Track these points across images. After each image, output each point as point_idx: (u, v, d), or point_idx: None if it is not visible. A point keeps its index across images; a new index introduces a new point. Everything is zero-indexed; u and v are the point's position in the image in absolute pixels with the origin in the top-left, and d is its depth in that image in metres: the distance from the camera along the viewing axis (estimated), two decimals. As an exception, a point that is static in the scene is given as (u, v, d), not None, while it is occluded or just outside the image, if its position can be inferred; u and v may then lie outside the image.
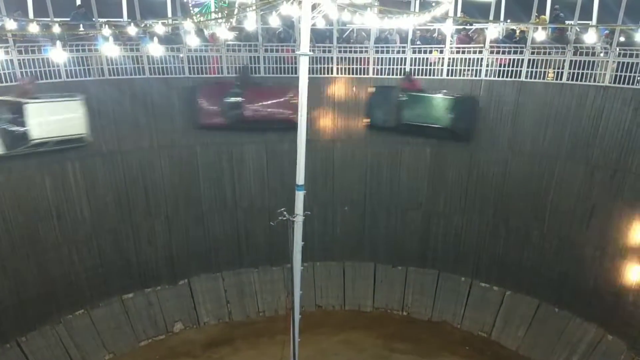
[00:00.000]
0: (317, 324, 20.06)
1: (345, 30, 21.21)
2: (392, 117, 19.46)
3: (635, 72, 15.93)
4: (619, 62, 16.34)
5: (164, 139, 19.28)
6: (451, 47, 19.07)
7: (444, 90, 18.96)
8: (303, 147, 12.41)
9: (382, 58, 19.70)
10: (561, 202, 18.04)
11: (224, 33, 18.84)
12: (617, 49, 16.36)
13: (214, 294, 20.99)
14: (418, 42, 19.71)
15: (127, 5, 19.22)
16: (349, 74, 20.06)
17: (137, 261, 19.67)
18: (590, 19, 18.72)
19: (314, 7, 11.91)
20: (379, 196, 21.14)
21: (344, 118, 20.50)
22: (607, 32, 17.42)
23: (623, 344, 16.54)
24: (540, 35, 17.52)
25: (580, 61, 17.04)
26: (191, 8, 26.43)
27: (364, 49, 19.79)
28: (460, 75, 19.10)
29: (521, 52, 18.04)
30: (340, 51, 19.82)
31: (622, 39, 16.77)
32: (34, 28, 16.26)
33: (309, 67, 12.93)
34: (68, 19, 18.27)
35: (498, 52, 18.51)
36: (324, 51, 19.76)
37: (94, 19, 17.90)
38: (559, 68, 17.54)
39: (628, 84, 16.09)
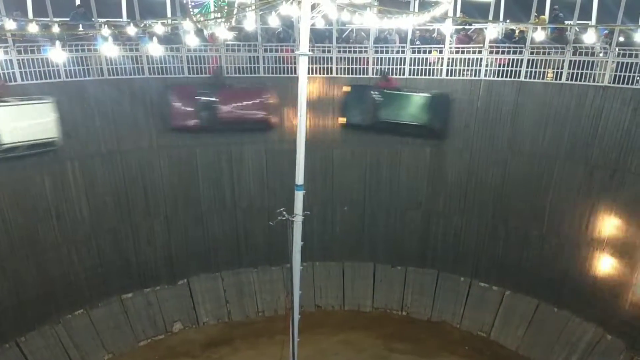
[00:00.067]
0: (317, 324, 20.04)
1: (345, 30, 21.21)
2: (368, 116, 19.52)
3: (634, 72, 15.95)
4: (618, 62, 16.35)
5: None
6: (450, 47, 19.07)
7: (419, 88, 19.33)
8: (302, 147, 12.41)
9: (381, 58, 19.69)
10: (560, 202, 18.04)
11: (223, 33, 18.83)
12: (617, 49, 16.37)
13: (213, 293, 20.99)
14: (417, 42, 19.70)
15: (127, 5, 19.23)
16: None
17: (136, 261, 19.67)
18: (590, 19, 18.74)
19: (313, 7, 11.91)
20: (379, 196, 21.14)
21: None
22: (606, 32, 17.43)
23: (622, 344, 16.55)
24: (539, 35, 17.53)
25: (579, 61, 17.05)
26: (191, 9, 26.43)
27: (363, 49, 19.78)
28: (459, 75, 19.09)
29: (520, 52, 18.05)
30: (339, 51, 19.82)
31: (621, 39, 16.80)
32: (33, 28, 16.26)
33: (310, 67, 12.95)
34: (67, 19, 18.28)
35: (497, 52, 18.52)
36: (323, 51, 19.75)
37: (93, 19, 17.89)
38: (558, 68, 17.55)
39: (627, 84, 16.11)
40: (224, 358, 18.89)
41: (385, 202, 21.13)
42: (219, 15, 23.52)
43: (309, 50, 12.21)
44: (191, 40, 17.93)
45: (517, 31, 19.22)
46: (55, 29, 15.83)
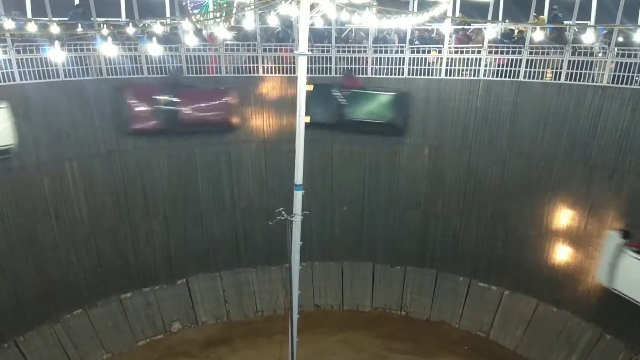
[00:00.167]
0: (316, 323, 20.04)
1: (344, 30, 21.20)
2: (333, 114, 19.55)
3: (633, 72, 15.97)
4: (617, 62, 16.37)
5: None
6: (450, 47, 19.08)
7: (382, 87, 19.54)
8: (301, 147, 12.41)
9: (380, 58, 19.69)
10: (559, 202, 18.05)
11: (222, 33, 18.81)
12: (616, 49, 16.38)
13: (212, 293, 20.98)
14: (416, 42, 19.70)
15: (126, 5, 19.22)
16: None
17: (135, 261, 19.66)
18: (589, 19, 18.76)
19: (312, 6, 11.91)
20: (378, 196, 21.14)
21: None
22: (605, 32, 17.44)
23: (621, 344, 16.58)
24: (538, 35, 17.54)
25: (578, 61, 17.06)
26: (190, 10, 26.43)
27: (362, 49, 19.78)
28: (458, 75, 19.10)
29: (519, 52, 18.06)
30: (338, 51, 19.81)
31: (620, 39, 16.81)
32: (32, 27, 16.24)
33: (309, 67, 12.94)
34: (66, 19, 18.26)
35: (496, 52, 18.53)
36: (322, 51, 19.75)
37: (92, 19, 17.89)
38: (557, 68, 17.56)
39: (626, 84, 16.13)
40: (223, 358, 18.88)
41: (384, 201, 21.13)
42: (218, 14, 23.50)
43: (308, 50, 12.20)
44: (190, 40, 17.92)
45: (516, 31, 19.24)
46: (54, 29, 15.80)
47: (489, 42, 18.58)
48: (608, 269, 16.01)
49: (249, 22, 18.53)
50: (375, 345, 19.41)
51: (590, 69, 16.90)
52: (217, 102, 19.17)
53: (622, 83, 16.21)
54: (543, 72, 17.88)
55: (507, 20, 20.73)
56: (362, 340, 19.67)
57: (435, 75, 19.37)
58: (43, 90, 16.64)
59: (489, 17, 19.59)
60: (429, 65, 19.44)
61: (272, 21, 16.39)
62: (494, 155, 19.22)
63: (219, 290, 21.10)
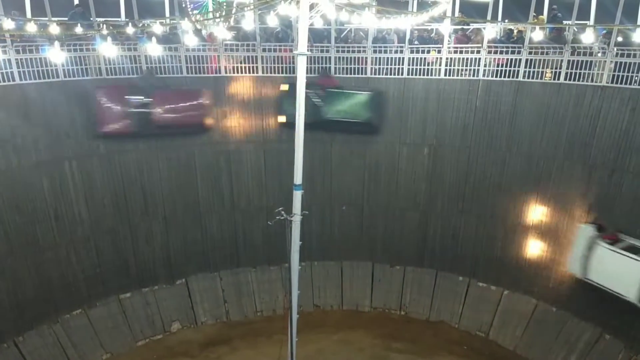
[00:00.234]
0: (315, 323, 20.05)
1: (343, 30, 21.21)
2: (309, 114, 19.38)
3: (632, 72, 15.97)
4: (616, 62, 16.37)
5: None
6: (449, 47, 19.08)
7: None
8: (301, 147, 12.42)
9: (379, 58, 19.70)
10: (559, 202, 18.05)
11: (222, 32, 18.81)
12: (615, 49, 16.38)
13: (211, 293, 20.98)
14: (416, 42, 19.70)
15: (125, 5, 19.21)
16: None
17: (134, 261, 19.66)
18: (588, 19, 18.77)
19: (311, 6, 11.92)
20: (377, 196, 21.14)
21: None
22: (604, 32, 17.44)
23: (621, 344, 16.59)
24: (537, 35, 17.58)
25: (577, 61, 17.06)
26: (190, 11, 26.41)
27: (361, 49, 19.79)
28: (458, 75, 19.11)
29: (519, 52, 18.06)
30: (338, 51, 19.82)
31: (619, 38, 16.81)
32: (31, 27, 16.24)
33: (308, 67, 12.94)
34: (66, 19, 18.27)
35: (496, 52, 18.53)
36: (321, 51, 19.75)
37: (91, 19, 17.90)
38: (556, 68, 17.56)
39: (626, 83, 16.13)
40: (222, 358, 18.88)
41: (384, 202, 21.14)
42: (217, 14, 23.51)
43: (308, 50, 12.20)
44: (190, 40, 17.92)
45: (515, 31, 19.24)
46: (54, 29, 15.80)
47: (489, 42, 18.59)
48: (580, 261, 16.66)
49: (249, 22, 18.55)
50: (374, 345, 19.41)
51: (590, 69, 16.90)
52: (192, 102, 18.80)
53: (621, 83, 16.21)
54: (542, 72, 17.89)
55: (506, 20, 20.75)
56: (361, 340, 19.67)
57: (435, 75, 19.37)
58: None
59: (489, 17, 19.61)
60: (428, 65, 19.44)
61: (272, 21, 16.42)
62: (494, 155, 19.23)
63: (219, 290, 21.10)
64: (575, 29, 17.17)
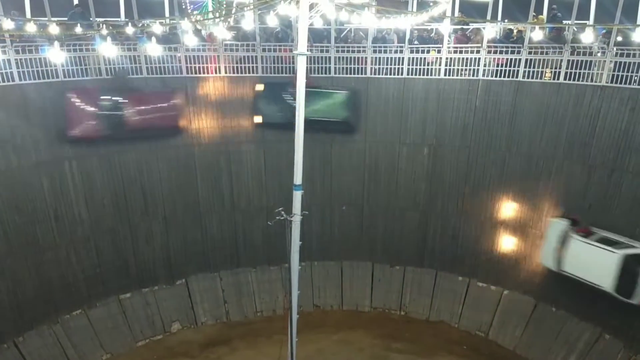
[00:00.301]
0: (315, 323, 20.05)
1: (343, 30, 21.21)
2: (286, 114, 19.05)
3: (632, 72, 15.97)
4: (616, 62, 16.37)
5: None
6: (449, 47, 19.08)
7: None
8: (301, 147, 12.41)
9: (379, 58, 19.70)
10: (558, 202, 18.05)
11: (221, 33, 18.81)
12: (615, 48, 16.37)
13: (211, 293, 20.97)
14: (416, 42, 19.70)
15: (125, 5, 19.19)
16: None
17: (134, 261, 19.65)
18: (588, 19, 18.77)
19: (311, 6, 11.92)
20: (377, 196, 21.14)
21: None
22: (604, 31, 17.44)
23: (620, 343, 16.59)
24: (537, 34, 17.58)
25: (577, 61, 17.06)
26: (190, 11, 26.41)
27: (361, 49, 19.79)
28: (457, 75, 19.11)
29: (518, 52, 18.06)
30: (337, 51, 19.82)
31: (619, 38, 16.80)
32: (31, 27, 16.23)
33: (308, 67, 12.94)
34: (65, 19, 18.25)
35: (495, 52, 18.53)
36: (321, 51, 19.75)
37: (91, 19, 17.88)
38: (556, 68, 17.56)
39: (625, 83, 16.13)
40: (222, 358, 18.88)
41: (384, 202, 21.13)
42: (217, 14, 23.50)
43: (307, 50, 12.20)
44: (189, 40, 17.91)
45: (515, 31, 19.24)
46: (53, 29, 15.79)
47: (488, 41, 18.58)
48: (552, 254, 17.28)
49: (248, 22, 18.53)
50: (374, 345, 19.42)
51: (589, 69, 16.90)
52: (165, 104, 18.40)
53: (621, 83, 16.21)
54: (542, 72, 17.89)
55: (506, 20, 20.74)
56: (361, 340, 19.67)
57: (435, 75, 19.37)
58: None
59: (488, 17, 19.61)
60: (428, 65, 19.44)
61: (271, 21, 16.40)
62: (493, 155, 19.23)
63: (219, 290, 21.10)
64: (575, 29, 17.17)
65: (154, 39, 17.54)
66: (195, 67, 19.10)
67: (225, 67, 19.46)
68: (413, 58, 19.46)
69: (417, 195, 20.82)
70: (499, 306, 19.86)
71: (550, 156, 18.00)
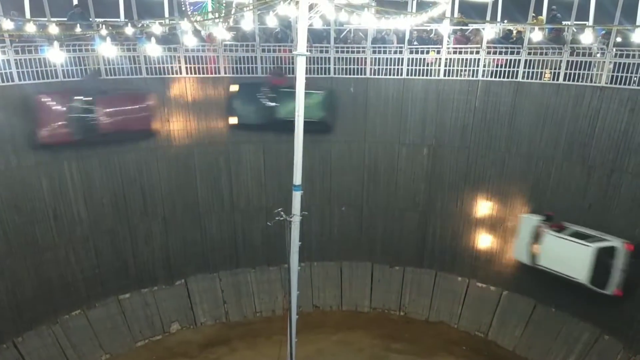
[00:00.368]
0: (315, 324, 20.05)
1: (343, 31, 21.21)
2: (263, 114, 19.25)
3: (631, 73, 15.98)
4: (615, 63, 16.38)
5: None
6: (448, 48, 19.09)
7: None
8: (300, 148, 12.43)
9: (379, 58, 19.70)
10: (558, 203, 18.06)
11: (221, 33, 18.80)
12: (614, 49, 16.38)
13: (210, 294, 20.96)
14: (415, 43, 19.71)
15: (124, 6, 19.17)
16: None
17: (134, 262, 19.64)
18: (587, 20, 18.76)
19: (311, 7, 11.91)
20: (376, 196, 21.14)
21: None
22: (603, 32, 17.45)
23: (620, 344, 16.59)
24: (537, 35, 17.60)
25: (577, 62, 17.07)
26: (190, 12, 26.39)
27: (361, 50, 19.79)
28: (457, 76, 19.11)
29: (518, 53, 18.07)
30: (337, 51, 19.82)
31: (618, 39, 16.81)
32: (30, 28, 16.23)
33: (308, 67, 12.94)
34: (65, 19, 18.25)
35: (495, 53, 18.53)
36: (321, 51, 19.75)
37: (90, 19, 17.86)
38: (555, 68, 17.57)
39: (625, 84, 16.14)
40: (222, 358, 18.88)
41: (383, 202, 21.13)
42: (216, 15, 23.49)
43: (307, 51, 12.20)
44: (189, 41, 17.90)
45: (514, 31, 19.25)
46: (53, 29, 15.80)
47: (488, 42, 18.59)
48: (525, 249, 17.91)
49: (248, 23, 18.52)
50: (374, 346, 19.42)
51: (589, 70, 16.92)
52: (138, 106, 17.95)
53: (620, 83, 16.22)
54: (541, 73, 17.90)
55: (505, 21, 20.73)
56: (361, 341, 19.67)
57: (434, 75, 19.37)
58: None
59: (488, 18, 19.61)
60: (427, 65, 19.44)
61: (271, 21, 16.37)
62: (493, 156, 19.23)
63: (218, 290, 21.09)
64: (575, 30, 17.17)
65: (153, 39, 17.53)
66: (195, 68, 19.09)
67: (225, 68, 19.46)
68: (412, 59, 19.46)
69: (416, 196, 20.82)
70: (498, 306, 19.86)
71: (550, 157, 18.01)
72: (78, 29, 17.88)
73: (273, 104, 19.12)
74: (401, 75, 19.64)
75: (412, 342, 19.62)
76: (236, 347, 19.41)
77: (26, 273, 17.05)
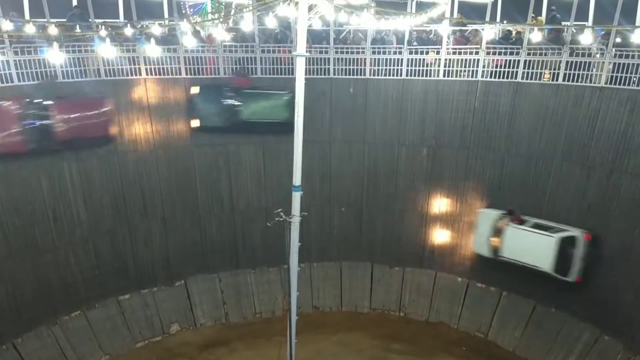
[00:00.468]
0: (314, 325, 20.03)
1: (342, 31, 21.21)
2: (226, 116, 18.94)
3: (631, 73, 15.99)
4: (614, 63, 16.39)
5: None
6: (448, 48, 19.09)
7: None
8: (300, 148, 12.42)
9: (378, 59, 19.70)
10: (558, 203, 18.07)
11: (220, 34, 18.80)
12: (613, 50, 16.39)
13: (210, 295, 20.95)
14: (415, 43, 19.72)
15: (124, 6, 19.16)
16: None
17: (133, 263, 19.63)
18: (587, 20, 18.80)
19: (310, 8, 11.92)
20: (376, 197, 21.14)
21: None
22: (603, 32, 17.47)
23: (619, 344, 16.59)
24: (536, 36, 17.61)
25: (576, 62, 17.08)
26: (189, 13, 26.38)
27: (360, 50, 19.79)
28: (456, 76, 19.12)
29: (517, 53, 18.08)
30: (336, 52, 19.82)
31: (618, 39, 16.82)
32: (30, 29, 16.22)
33: (307, 68, 12.96)
34: (64, 20, 18.24)
35: (494, 53, 18.54)
36: (320, 52, 19.75)
37: (90, 20, 17.86)
38: (555, 69, 17.58)
39: (624, 84, 16.15)
40: (221, 359, 18.86)
41: (383, 202, 21.13)
42: (216, 16, 23.50)
43: (306, 52, 12.21)
44: (188, 41, 17.90)
45: (514, 32, 19.26)
46: (52, 30, 15.78)
47: (487, 43, 18.60)
48: (485, 242, 18.81)
49: (247, 24, 18.52)
50: (374, 346, 19.41)
51: (588, 70, 16.93)
52: (98, 111, 17.36)
53: (619, 84, 16.23)
54: (541, 73, 17.91)
55: (505, 21, 20.74)
56: (360, 341, 19.67)
57: (434, 76, 19.38)
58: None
59: (487, 18, 19.61)
60: (427, 66, 19.44)
61: (270, 22, 16.37)
62: (492, 156, 19.25)
63: (218, 291, 21.08)
64: (574, 30, 17.18)
65: (152, 40, 17.52)
66: (194, 69, 19.08)
67: (224, 68, 19.42)
68: (412, 59, 19.46)
69: (416, 196, 20.82)
70: (498, 307, 19.85)
71: (549, 157, 18.02)
72: (77, 30, 17.86)
73: (237, 105, 18.82)
74: (401, 75, 19.64)
75: (412, 343, 19.61)
76: (236, 348, 19.39)
77: (26, 275, 17.05)
